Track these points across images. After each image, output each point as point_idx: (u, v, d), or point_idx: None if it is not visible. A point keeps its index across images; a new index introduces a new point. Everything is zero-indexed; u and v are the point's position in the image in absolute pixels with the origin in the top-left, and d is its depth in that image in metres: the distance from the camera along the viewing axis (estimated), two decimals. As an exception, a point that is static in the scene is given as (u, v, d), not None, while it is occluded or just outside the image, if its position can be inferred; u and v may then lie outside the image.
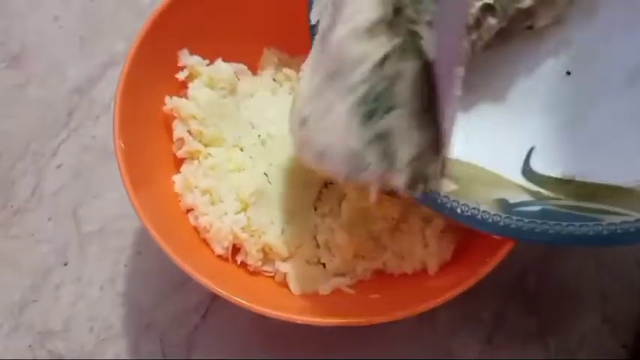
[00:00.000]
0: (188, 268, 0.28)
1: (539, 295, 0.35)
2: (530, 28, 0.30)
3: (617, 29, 0.29)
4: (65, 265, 0.37)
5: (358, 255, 0.33)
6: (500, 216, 0.27)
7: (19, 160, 0.39)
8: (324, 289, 0.32)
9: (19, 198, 0.39)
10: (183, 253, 0.29)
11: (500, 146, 0.29)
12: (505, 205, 0.28)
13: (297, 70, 0.35)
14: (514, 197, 0.28)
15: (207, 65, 0.34)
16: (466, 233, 0.32)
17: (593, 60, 0.29)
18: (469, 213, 0.28)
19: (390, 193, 0.32)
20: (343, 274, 0.33)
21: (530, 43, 0.31)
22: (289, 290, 0.32)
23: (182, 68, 0.34)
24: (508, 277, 0.35)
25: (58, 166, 0.39)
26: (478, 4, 0.28)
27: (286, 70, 0.36)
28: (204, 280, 0.28)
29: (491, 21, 0.28)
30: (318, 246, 0.33)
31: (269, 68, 0.37)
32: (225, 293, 0.28)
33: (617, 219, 0.26)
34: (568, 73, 0.30)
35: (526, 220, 0.27)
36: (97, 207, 0.38)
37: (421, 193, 0.27)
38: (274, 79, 0.37)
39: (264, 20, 0.35)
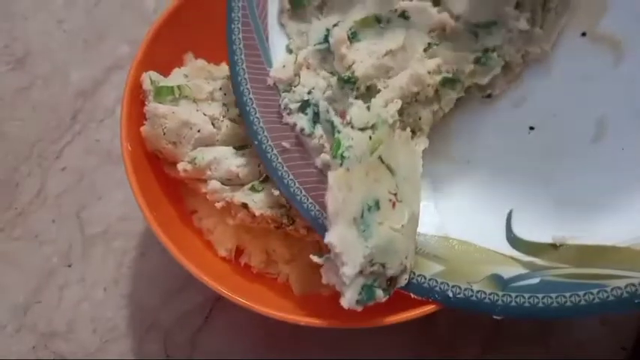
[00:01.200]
0: (192, 269, 0.28)
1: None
2: (489, 96, 0.30)
3: (574, 82, 0.28)
4: (69, 266, 0.37)
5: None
6: (498, 294, 0.25)
7: (23, 163, 0.40)
8: (326, 292, 0.33)
9: (24, 200, 0.39)
10: (187, 254, 0.29)
11: (477, 216, 0.28)
12: (500, 282, 0.25)
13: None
14: (508, 272, 0.26)
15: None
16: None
17: (554, 114, 0.28)
18: (461, 295, 0.25)
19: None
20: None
21: (488, 103, 0.30)
22: (292, 292, 0.33)
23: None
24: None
25: (62, 169, 0.40)
26: (438, 78, 0.28)
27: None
28: (208, 281, 0.28)
29: (451, 94, 0.29)
30: (320, 249, 0.33)
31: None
32: (228, 294, 0.28)
33: (621, 282, 0.24)
34: (531, 128, 0.29)
35: (526, 295, 0.25)
36: (101, 209, 0.38)
37: (409, 286, 0.25)
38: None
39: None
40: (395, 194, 0.26)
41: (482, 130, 0.29)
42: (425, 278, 0.26)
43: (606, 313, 0.24)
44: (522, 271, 0.26)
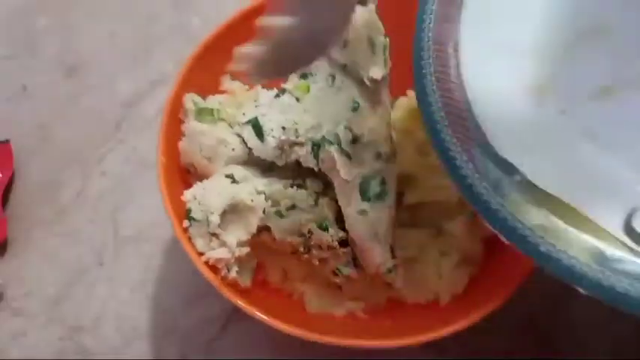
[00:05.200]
0: (213, 280, 0.30)
1: (551, 335, 0.36)
2: None
3: None
4: (101, 265, 0.39)
5: (374, 282, 0.34)
6: (591, 267, 0.23)
7: (68, 165, 0.43)
8: (339, 312, 0.34)
9: (65, 199, 0.41)
10: (208, 264, 0.31)
11: (598, 192, 0.25)
12: (601, 258, 0.24)
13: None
14: (613, 252, 0.24)
15: (247, 90, 0.37)
16: (479, 268, 0.33)
17: None
18: (554, 255, 0.24)
19: (414, 224, 0.34)
20: (358, 299, 0.34)
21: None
22: (305, 309, 0.34)
23: (223, 92, 0.36)
24: (519, 315, 0.36)
25: (103, 173, 0.42)
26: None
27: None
28: (227, 293, 0.30)
29: None
30: (335, 273, 0.34)
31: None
32: (245, 306, 0.30)
33: None
34: None
35: (625, 280, 0.23)
36: (135, 213, 0.41)
37: (501, 220, 0.25)
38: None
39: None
40: None
41: None
42: (522, 225, 0.25)
43: None
44: (629, 257, 0.24)
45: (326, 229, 0.31)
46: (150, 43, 0.47)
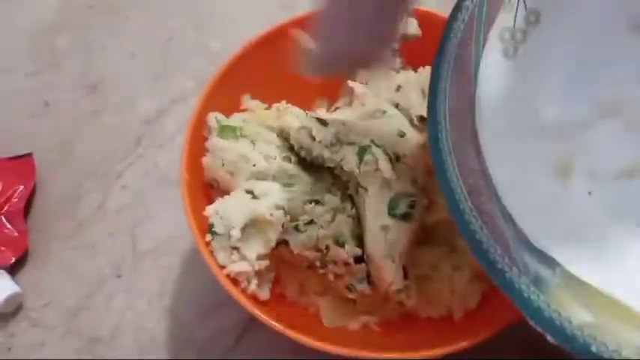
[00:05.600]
0: (234, 292, 0.31)
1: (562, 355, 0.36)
2: None
3: None
4: (119, 277, 0.40)
5: (388, 296, 0.35)
6: None
7: (88, 179, 0.44)
8: (354, 325, 0.35)
9: (85, 213, 0.43)
10: (227, 276, 0.32)
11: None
12: None
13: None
14: None
15: (266, 109, 0.38)
16: (492, 283, 0.34)
17: None
18: (607, 356, 0.23)
19: (428, 242, 0.35)
20: (372, 313, 0.35)
21: None
22: (321, 322, 0.35)
23: (244, 110, 0.38)
24: (530, 333, 0.36)
25: (123, 187, 0.43)
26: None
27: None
28: (245, 303, 0.31)
29: None
30: (349, 289, 0.35)
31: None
32: (261, 316, 0.31)
33: None
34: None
35: None
36: (153, 227, 0.42)
37: (547, 320, 0.24)
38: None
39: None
40: None
41: None
42: (570, 324, 0.24)
43: None
44: None
45: (342, 246, 0.32)
46: (170, 63, 0.49)
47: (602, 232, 0.26)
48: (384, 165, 0.32)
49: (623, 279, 0.25)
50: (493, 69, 0.29)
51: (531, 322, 0.24)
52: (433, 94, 0.27)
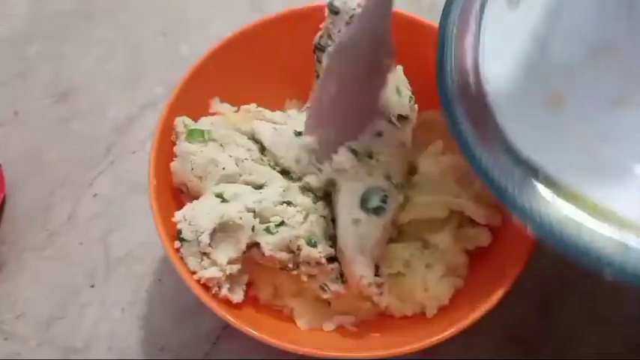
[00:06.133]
0: (203, 297, 0.31)
1: (538, 345, 0.37)
2: None
3: None
4: (92, 286, 0.40)
5: (361, 297, 0.35)
6: (616, 254, 0.25)
7: (58, 188, 0.43)
8: (329, 326, 0.35)
9: (56, 222, 0.42)
10: (199, 282, 0.32)
11: (617, 185, 0.27)
12: (625, 247, 0.25)
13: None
14: (636, 240, 0.25)
15: (235, 112, 0.38)
16: (464, 279, 0.34)
17: None
18: (582, 246, 0.25)
19: (400, 239, 0.35)
20: (347, 313, 0.35)
21: None
22: (295, 324, 0.35)
23: (213, 114, 0.38)
24: (506, 326, 0.37)
25: (94, 195, 0.43)
26: None
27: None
28: (218, 309, 0.31)
29: None
30: (323, 290, 0.35)
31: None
32: (235, 322, 0.31)
33: None
34: None
35: None
36: (125, 235, 0.41)
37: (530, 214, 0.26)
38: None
39: (289, 74, 0.39)
40: None
41: None
42: (549, 218, 0.26)
43: None
44: None
45: (314, 246, 0.32)
46: (139, 69, 0.48)
47: (592, 150, 0.28)
48: (352, 162, 0.32)
49: (608, 188, 0.27)
50: (497, 17, 0.31)
51: (514, 214, 0.27)
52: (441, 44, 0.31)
